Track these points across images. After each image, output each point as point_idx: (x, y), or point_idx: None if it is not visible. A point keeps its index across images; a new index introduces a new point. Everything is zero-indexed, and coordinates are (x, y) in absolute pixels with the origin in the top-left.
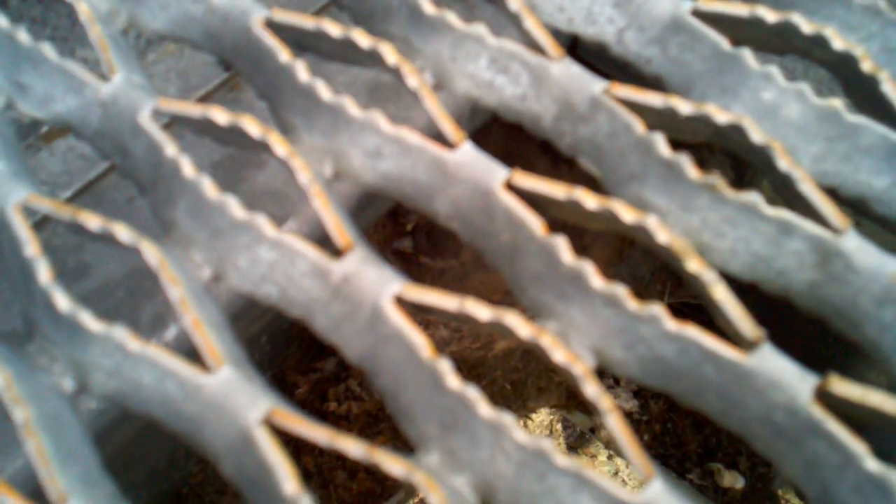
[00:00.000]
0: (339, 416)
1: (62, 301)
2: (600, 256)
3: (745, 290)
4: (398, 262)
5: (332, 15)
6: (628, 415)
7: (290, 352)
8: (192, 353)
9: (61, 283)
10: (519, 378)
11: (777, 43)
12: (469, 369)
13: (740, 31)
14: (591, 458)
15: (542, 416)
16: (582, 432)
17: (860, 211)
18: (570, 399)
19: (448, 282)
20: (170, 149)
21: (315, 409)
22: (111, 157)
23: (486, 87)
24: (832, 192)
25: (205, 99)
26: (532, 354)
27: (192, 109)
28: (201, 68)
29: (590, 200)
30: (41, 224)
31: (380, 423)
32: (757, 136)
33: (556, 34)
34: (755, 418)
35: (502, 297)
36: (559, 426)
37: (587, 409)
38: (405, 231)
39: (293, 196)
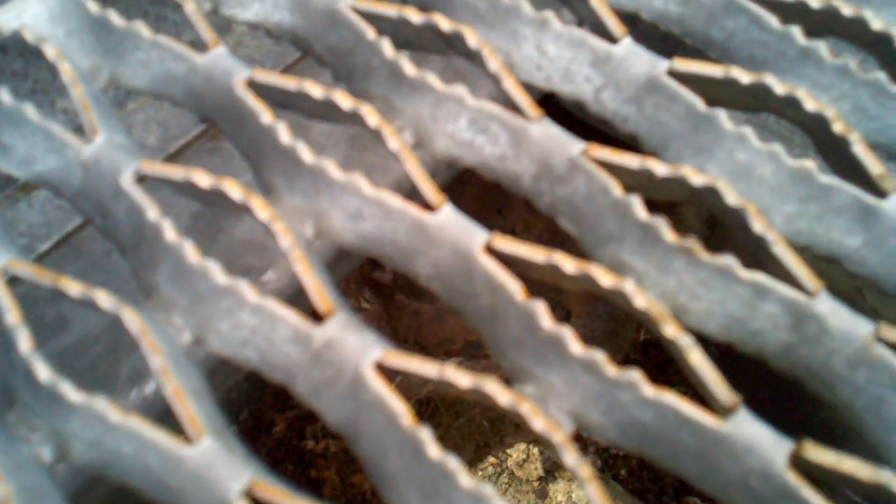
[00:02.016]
0: (316, 455)
1: (42, 371)
2: (577, 294)
3: None
4: (374, 293)
5: (312, 68)
6: (605, 449)
7: (267, 389)
8: (171, 412)
9: (40, 336)
10: (496, 415)
11: (751, 102)
12: (447, 408)
13: (715, 90)
14: (567, 482)
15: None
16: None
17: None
18: None
19: (424, 322)
20: (151, 212)
21: (292, 446)
22: (92, 218)
23: (466, 146)
24: (805, 251)
25: (185, 148)
26: None
27: (175, 172)
28: (181, 117)
29: (568, 264)
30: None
31: (357, 462)
32: (731, 198)
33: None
34: (732, 483)
35: (479, 337)
36: (535, 450)
37: None
38: (381, 270)
39: (273, 247)
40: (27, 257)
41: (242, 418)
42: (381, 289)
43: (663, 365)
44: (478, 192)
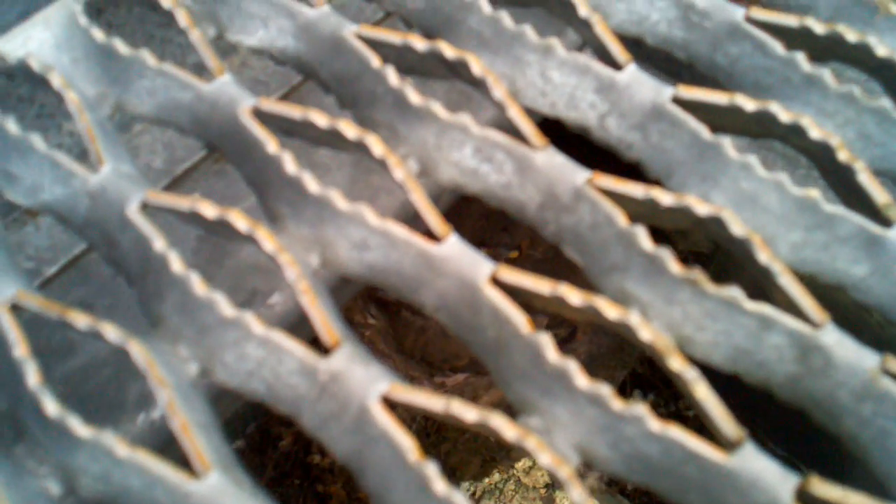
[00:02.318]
0: (322, 469)
1: (50, 405)
2: None
3: None
4: (380, 309)
5: (318, 91)
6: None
7: None
8: None
9: (48, 361)
10: None
11: (756, 129)
12: (451, 426)
13: (720, 118)
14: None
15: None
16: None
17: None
18: None
19: (430, 337)
20: (158, 243)
21: (299, 460)
22: (99, 248)
23: (471, 174)
24: (811, 280)
25: (191, 171)
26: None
27: (180, 203)
28: (187, 140)
29: (574, 296)
30: None
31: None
32: (737, 228)
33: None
34: None
35: (470, 359)
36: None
37: None
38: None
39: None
40: (34, 281)
41: (249, 432)
42: (386, 305)
43: (670, 379)
44: (483, 210)
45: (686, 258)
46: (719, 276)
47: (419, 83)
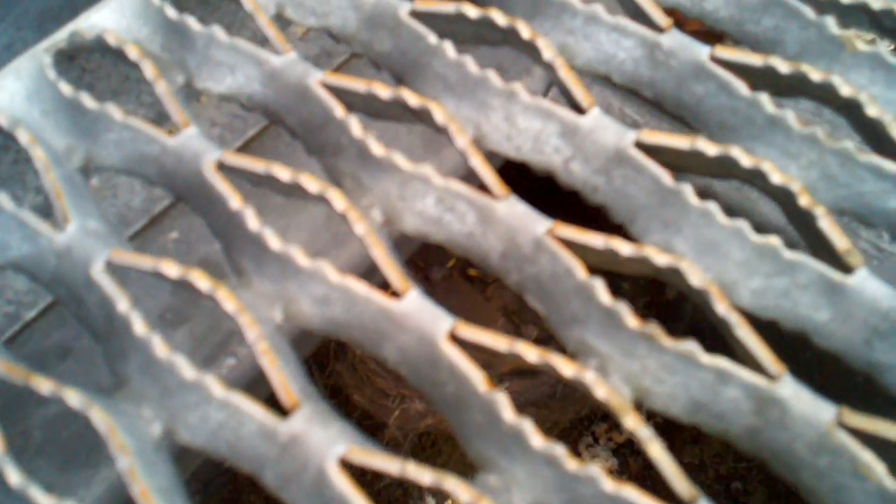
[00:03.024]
0: None
1: (13, 475)
2: None
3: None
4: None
5: (281, 138)
6: (608, 472)
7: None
8: None
9: (28, 403)
10: None
11: (719, 172)
12: (446, 440)
13: (683, 161)
14: None
15: None
16: None
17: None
18: None
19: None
20: (122, 304)
21: None
22: (67, 304)
23: (435, 223)
24: (773, 325)
25: (169, 209)
26: None
27: (143, 262)
28: None
29: (531, 353)
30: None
31: None
32: (695, 279)
33: None
34: None
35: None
36: None
37: None
38: None
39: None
40: (14, 325)
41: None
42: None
43: None
44: None
45: None
46: None
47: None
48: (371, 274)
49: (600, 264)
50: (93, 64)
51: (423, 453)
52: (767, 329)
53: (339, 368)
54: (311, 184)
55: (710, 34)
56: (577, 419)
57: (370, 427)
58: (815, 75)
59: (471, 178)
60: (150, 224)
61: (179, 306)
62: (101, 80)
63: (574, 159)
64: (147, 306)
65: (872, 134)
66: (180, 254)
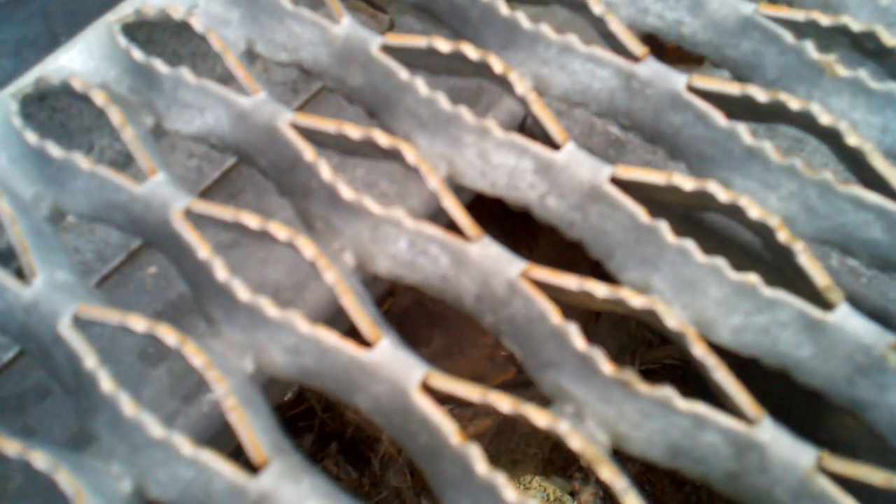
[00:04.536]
0: None
1: None
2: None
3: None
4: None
5: (248, 183)
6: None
7: None
8: None
9: None
10: (491, 455)
11: (698, 205)
12: None
13: (660, 195)
14: None
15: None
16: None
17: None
18: (547, 465)
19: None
20: (89, 361)
21: None
22: (36, 358)
23: (408, 267)
24: (754, 362)
25: (146, 245)
26: (503, 434)
27: (111, 316)
28: None
29: (504, 403)
30: None
31: None
32: (671, 321)
33: None
34: None
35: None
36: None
37: (566, 473)
38: None
39: None
40: None
41: None
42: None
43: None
44: None
45: None
46: None
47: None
48: None
49: (577, 304)
50: (63, 103)
51: (418, 468)
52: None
53: None
54: (280, 231)
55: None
56: None
57: (364, 441)
58: (794, 104)
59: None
60: (129, 259)
61: (160, 342)
62: (73, 118)
63: (550, 195)
64: (128, 343)
65: (853, 163)
66: (159, 289)
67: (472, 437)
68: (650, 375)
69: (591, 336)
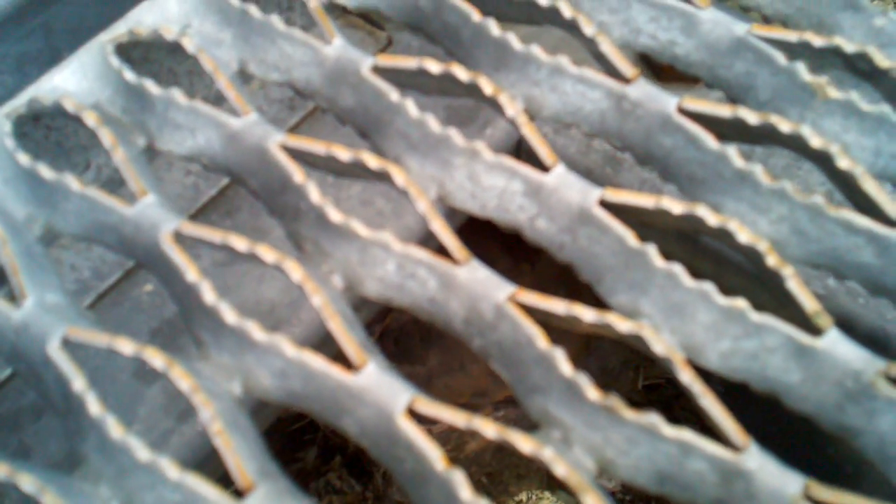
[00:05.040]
0: None
1: None
2: (568, 351)
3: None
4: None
5: (244, 201)
6: (612, 494)
7: (270, 442)
8: None
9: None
10: (494, 470)
11: (688, 227)
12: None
13: (649, 218)
14: None
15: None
16: None
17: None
18: (551, 480)
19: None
20: (77, 383)
21: None
22: (26, 379)
23: (397, 289)
24: (743, 386)
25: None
26: (506, 449)
27: (100, 339)
28: None
29: (489, 430)
30: None
31: None
32: (658, 346)
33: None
34: None
35: (469, 398)
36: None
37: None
38: (373, 336)
39: None
40: None
41: None
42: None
43: (668, 403)
44: None
45: None
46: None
47: None
48: None
49: (565, 328)
50: (58, 122)
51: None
52: None
53: None
54: (268, 254)
55: None
56: None
57: (360, 453)
58: (785, 126)
59: (447, 217)
60: (125, 277)
61: (140, 381)
62: (68, 136)
63: (539, 217)
64: (123, 361)
65: (845, 186)
66: (155, 307)
67: (475, 453)
68: (654, 390)
69: (593, 351)
